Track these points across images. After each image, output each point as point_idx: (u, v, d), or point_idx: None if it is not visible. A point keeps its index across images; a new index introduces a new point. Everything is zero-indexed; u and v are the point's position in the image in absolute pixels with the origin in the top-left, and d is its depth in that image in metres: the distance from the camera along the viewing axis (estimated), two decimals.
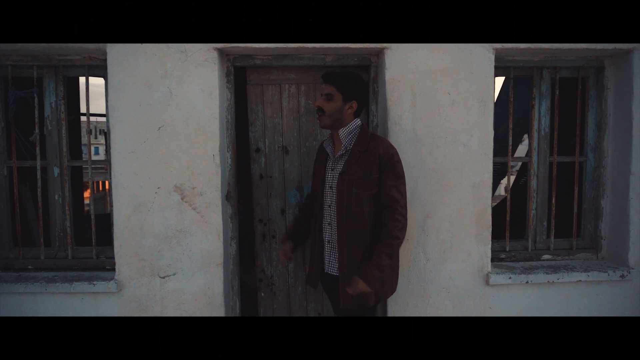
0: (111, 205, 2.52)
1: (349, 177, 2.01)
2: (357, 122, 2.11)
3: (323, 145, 2.22)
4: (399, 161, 2.03)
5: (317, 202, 2.17)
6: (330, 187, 2.09)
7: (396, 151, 2.04)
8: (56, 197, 2.65)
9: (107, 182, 3.02)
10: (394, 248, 1.97)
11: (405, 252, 2.50)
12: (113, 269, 2.52)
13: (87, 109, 2.64)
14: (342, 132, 2.08)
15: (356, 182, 1.99)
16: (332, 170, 2.10)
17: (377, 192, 2.00)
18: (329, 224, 2.11)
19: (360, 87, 2.11)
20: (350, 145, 2.07)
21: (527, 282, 2.56)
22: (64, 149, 2.62)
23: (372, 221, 2.01)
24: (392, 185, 1.98)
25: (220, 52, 2.46)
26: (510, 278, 2.54)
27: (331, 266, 2.12)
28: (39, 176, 2.63)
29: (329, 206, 2.09)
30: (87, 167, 2.70)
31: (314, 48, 2.46)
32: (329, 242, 2.12)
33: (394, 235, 1.94)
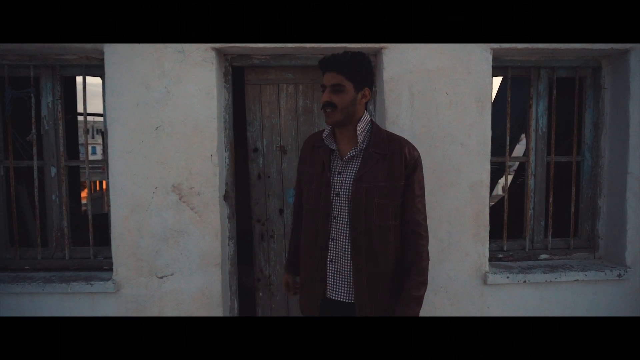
0: (109, 205, 2.51)
1: (368, 184, 1.67)
2: (367, 116, 1.78)
3: (324, 141, 1.80)
4: (422, 166, 1.77)
5: (317, 212, 1.76)
6: (337, 194, 1.72)
7: (419, 154, 1.77)
8: (53, 197, 2.64)
9: (104, 182, 3.01)
10: (427, 272, 1.73)
11: None
12: (111, 269, 2.52)
13: (84, 108, 2.63)
14: (359, 127, 1.73)
15: (379, 191, 1.67)
16: (340, 174, 1.73)
17: (401, 203, 1.71)
18: (332, 239, 1.74)
19: (371, 69, 1.75)
20: (363, 144, 1.74)
21: (524, 282, 2.56)
22: (61, 149, 2.61)
23: (396, 237, 1.72)
24: (417, 196, 1.72)
25: (218, 51, 2.45)
26: (508, 277, 2.55)
27: (336, 291, 1.74)
28: (35, 176, 2.62)
29: (335, 218, 1.73)
30: (85, 167, 2.69)
31: (312, 48, 2.46)
32: (331, 261, 1.74)
33: (424, 257, 1.72)
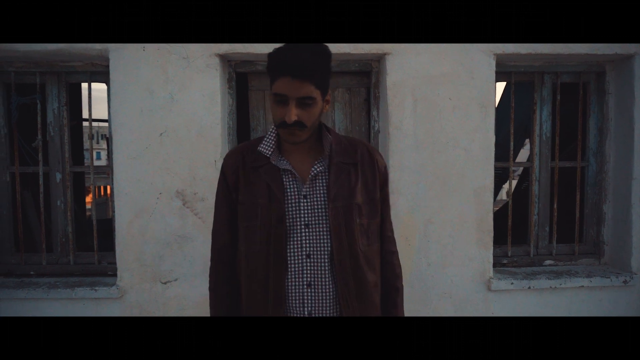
0: (113, 211, 2.52)
1: (344, 202, 1.31)
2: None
3: (267, 158, 1.34)
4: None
5: (266, 259, 1.32)
6: (307, 224, 1.32)
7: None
8: (58, 203, 2.66)
9: (109, 187, 3.03)
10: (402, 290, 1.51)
11: (407, 258, 2.50)
12: (115, 275, 2.52)
13: (90, 114, 2.66)
14: (325, 139, 1.36)
15: (359, 209, 1.33)
16: (307, 198, 1.32)
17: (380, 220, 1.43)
18: (308, 284, 1.32)
19: (330, 64, 1.30)
20: (326, 156, 1.36)
21: (529, 288, 2.55)
22: (66, 155, 2.63)
23: (379, 262, 1.43)
24: (389, 207, 1.49)
25: (222, 58, 2.47)
26: (512, 283, 2.53)
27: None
28: (41, 182, 2.63)
29: (308, 256, 1.31)
30: (89, 173, 2.71)
31: None
32: (308, 314, 1.34)
33: (400, 275, 1.49)
